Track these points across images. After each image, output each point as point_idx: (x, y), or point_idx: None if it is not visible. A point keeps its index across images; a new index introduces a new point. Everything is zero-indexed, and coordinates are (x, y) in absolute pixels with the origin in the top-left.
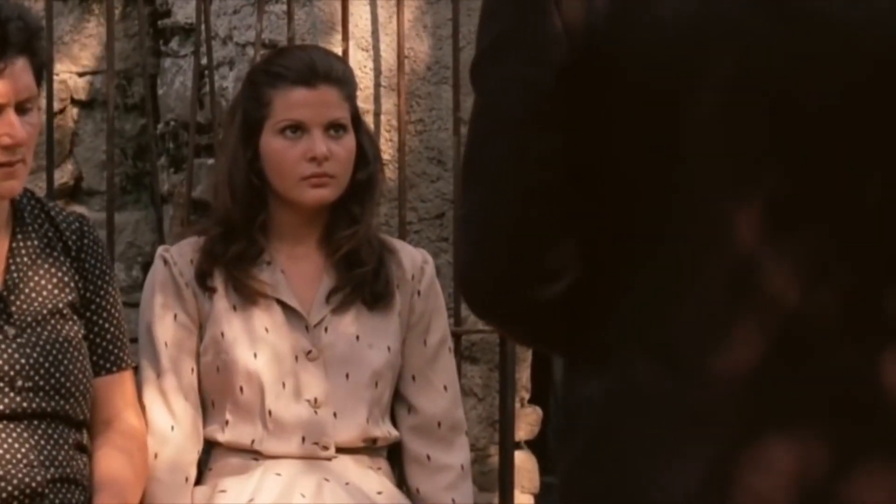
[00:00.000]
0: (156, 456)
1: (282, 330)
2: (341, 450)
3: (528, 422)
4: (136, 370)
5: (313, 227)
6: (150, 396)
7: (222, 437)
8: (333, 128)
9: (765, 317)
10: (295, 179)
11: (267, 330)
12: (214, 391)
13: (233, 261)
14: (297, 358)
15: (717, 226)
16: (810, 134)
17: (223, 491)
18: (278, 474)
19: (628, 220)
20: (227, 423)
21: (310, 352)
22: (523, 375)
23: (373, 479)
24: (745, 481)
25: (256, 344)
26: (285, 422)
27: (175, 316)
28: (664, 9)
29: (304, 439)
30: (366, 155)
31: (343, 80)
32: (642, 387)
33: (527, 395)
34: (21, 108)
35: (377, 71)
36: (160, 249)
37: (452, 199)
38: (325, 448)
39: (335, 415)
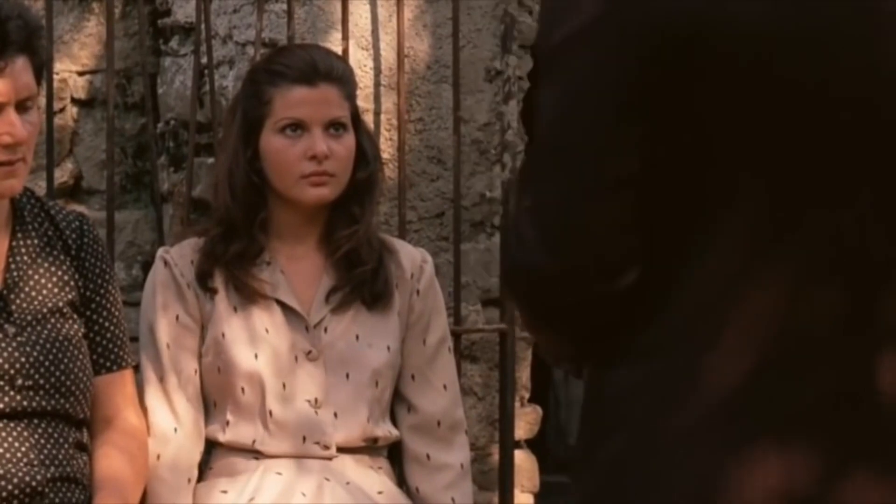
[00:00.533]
0: (158, 457)
1: (282, 330)
2: (342, 449)
3: (527, 421)
4: (137, 369)
5: (313, 227)
6: (153, 397)
7: (223, 437)
8: (334, 126)
9: (826, 316)
10: (295, 178)
11: (267, 330)
12: (215, 391)
13: (233, 260)
14: (296, 358)
15: (786, 226)
16: (887, 140)
17: (224, 491)
18: (279, 473)
19: (691, 216)
20: (227, 423)
21: (310, 352)
22: (523, 374)
23: (373, 478)
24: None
25: (257, 344)
26: (286, 422)
27: (177, 317)
28: (755, 3)
29: (304, 439)
30: (365, 154)
31: (343, 79)
32: (693, 382)
33: (526, 395)
34: (21, 107)
35: (377, 70)
36: (161, 251)
37: (452, 198)
38: (326, 448)
39: (335, 415)
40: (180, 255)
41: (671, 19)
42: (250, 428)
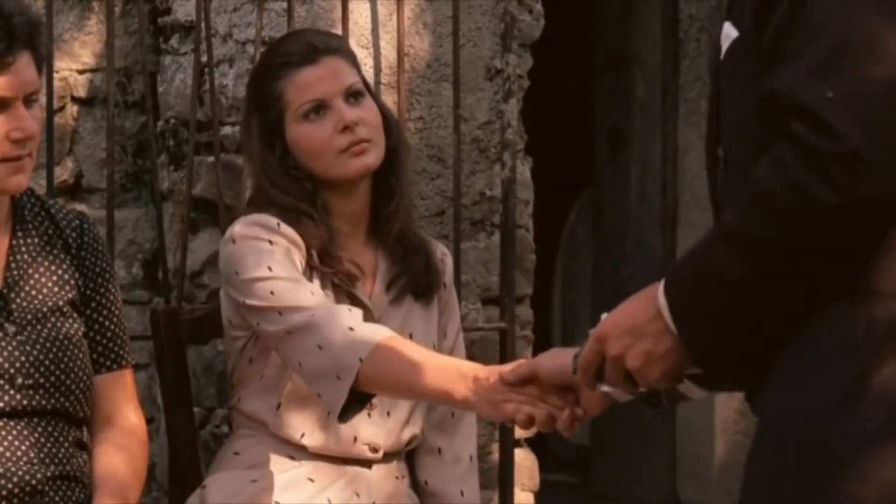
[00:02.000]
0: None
1: None
2: (388, 452)
3: None
4: (137, 368)
5: (362, 212)
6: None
7: (271, 419)
8: (352, 95)
9: None
10: (333, 155)
11: None
12: (272, 366)
13: (325, 243)
14: None
15: None
16: None
17: (254, 480)
18: (311, 479)
19: None
20: (278, 406)
21: None
22: None
23: (397, 490)
24: None
25: None
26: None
27: (287, 250)
28: None
29: (356, 439)
30: (388, 121)
31: (343, 50)
32: None
33: None
34: (27, 102)
35: (377, 68)
36: (259, 217)
37: (452, 196)
38: (375, 451)
39: (388, 413)
40: (269, 219)
41: None
42: (299, 419)
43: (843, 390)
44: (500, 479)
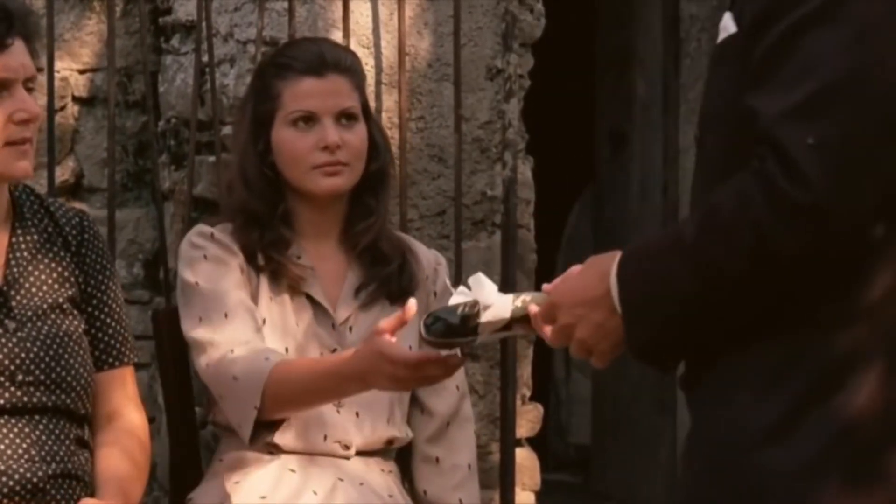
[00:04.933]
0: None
1: (310, 326)
2: (360, 451)
3: (528, 419)
4: (138, 366)
5: (333, 223)
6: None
7: None
8: (345, 117)
9: None
10: (307, 169)
11: (297, 325)
12: None
13: (269, 245)
14: (321, 354)
15: None
16: None
17: (237, 482)
18: (292, 470)
19: None
20: None
21: (335, 349)
22: (524, 372)
23: (384, 481)
24: None
25: (287, 338)
26: (308, 418)
27: (234, 274)
28: None
29: (325, 437)
30: (377, 146)
31: (352, 69)
32: None
33: (528, 393)
34: (26, 88)
35: (378, 68)
36: (201, 226)
37: (453, 196)
38: (346, 448)
39: (357, 414)
40: (223, 233)
41: None
42: (271, 421)
43: (774, 421)
44: (501, 478)
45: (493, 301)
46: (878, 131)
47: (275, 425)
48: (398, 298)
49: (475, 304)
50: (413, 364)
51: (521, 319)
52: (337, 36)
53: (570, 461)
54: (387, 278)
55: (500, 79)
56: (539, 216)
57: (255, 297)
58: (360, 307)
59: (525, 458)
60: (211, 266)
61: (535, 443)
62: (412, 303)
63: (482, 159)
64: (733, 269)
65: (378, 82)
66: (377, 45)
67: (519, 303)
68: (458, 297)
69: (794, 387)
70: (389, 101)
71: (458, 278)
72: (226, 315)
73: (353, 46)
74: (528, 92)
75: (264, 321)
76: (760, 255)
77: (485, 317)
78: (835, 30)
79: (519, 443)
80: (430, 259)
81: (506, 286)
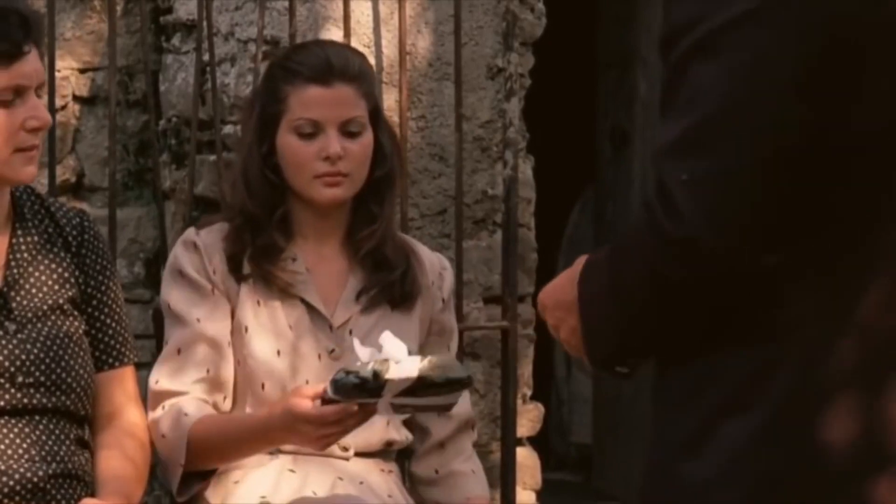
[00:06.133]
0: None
1: (306, 329)
2: (358, 453)
3: (529, 418)
4: (139, 366)
5: (336, 227)
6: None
7: None
8: (350, 126)
9: None
10: (309, 177)
11: (291, 328)
12: (236, 383)
13: (258, 252)
14: (319, 356)
15: None
16: None
17: (236, 482)
18: (291, 471)
19: (860, 201)
20: None
21: (333, 350)
22: (525, 372)
23: (385, 481)
24: None
25: (279, 341)
26: None
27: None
28: None
29: None
30: (384, 152)
31: (360, 77)
32: (837, 361)
33: (529, 392)
34: (36, 94)
35: (379, 67)
36: (190, 232)
37: (454, 195)
38: (345, 449)
39: None
40: (210, 239)
41: (844, 4)
42: (205, 472)
43: (690, 435)
44: (502, 477)
45: (402, 359)
46: (753, 165)
47: (208, 475)
48: (400, 304)
49: (385, 360)
50: (315, 419)
51: (432, 385)
52: (337, 35)
53: (571, 460)
54: (390, 285)
55: (501, 78)
56: (540, 215)
57: (233, 308)
58: (360, 311)
59: (526, 458)
60: (182, 291)
61: (536, 442)
62: (323, 387)
63: (483, 158)
64: (637, 293)
65: (378, 81)
66: (378, 44)
67: (426, 362)
68: (364, 350)
69: (708, 401)
70: (390, 100)
71: (460, 277)
72: (178, 351)
73: (354, 45)
74: (529, 91)
75: (246, 329)
76: (654, 282)
77: (392, 373)
78: (715, 63)
79: (520, 442)
80: (434, 263)
81: (507, 285)
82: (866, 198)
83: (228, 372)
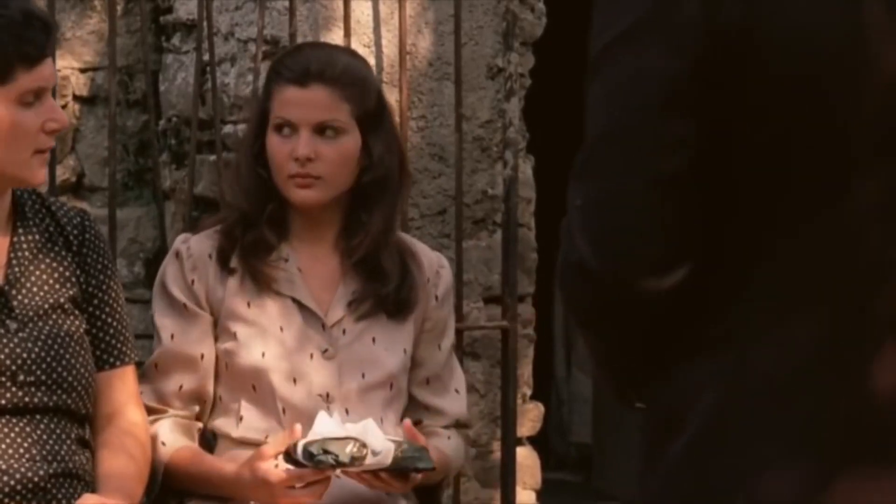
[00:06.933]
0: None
1: (297, 328)
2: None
3: (529, 418)
4: (139, 365)
5: (327, 229)
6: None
7: (235, 432)
8: (325, 129)
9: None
10: (284, 177)
11: (281, 328)
12: (223, 385)
13: (249, 248)
14: (311, 356)
15: (856, 224)
16: None
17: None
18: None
19: (756, 212)
20: (241, 418)
21: (326, 350)
22: (525, 371)
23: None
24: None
25: (268, 341)
26: (298, 417)
27: (184, 306)
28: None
29: None
30: (372, 157)
31: (342, 80)
32: (764, 375)
33: (529, 392)
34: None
35: (379, 67)
36: (179, 240)
37: (454, 195)
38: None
39: (347, 411)
40: (201, 246)
41: (716, 16)
42: (262, 423)
43: (645, 455)
44: (502, 477)
45: (379, 449)
46: (636, 188)
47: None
48: (395, 314)
49: (364, 446)
50: (277, 485)
51: (397, 468)
52: (338, 34)
53: (571, 460)
54: (384, 297)
55: (501, 78)
56: (540, 215)
57: (216, 318)
58: (352, 314)
59: (526, 457)
60: (162, 305)
61: (536, 442)
62: (298, 428)
63: (483, 158)
64: (574, 314)
65: (379, 81)
66: (378, 44)
67: (399, 452)
68: (324, 420)
69: (655, 418)
70: (390, 99)
71: (459, 277)
72: (156, 366)
73: (354, 45)
74: (529, 91)
75: (235, 333)
76: (569, 305)
77: (368, 460)
78: (598, 84)
79: (520, 442)
80: (432, 261)
81: (507, 285)
82: (763, 210)
83: (204, 386)
